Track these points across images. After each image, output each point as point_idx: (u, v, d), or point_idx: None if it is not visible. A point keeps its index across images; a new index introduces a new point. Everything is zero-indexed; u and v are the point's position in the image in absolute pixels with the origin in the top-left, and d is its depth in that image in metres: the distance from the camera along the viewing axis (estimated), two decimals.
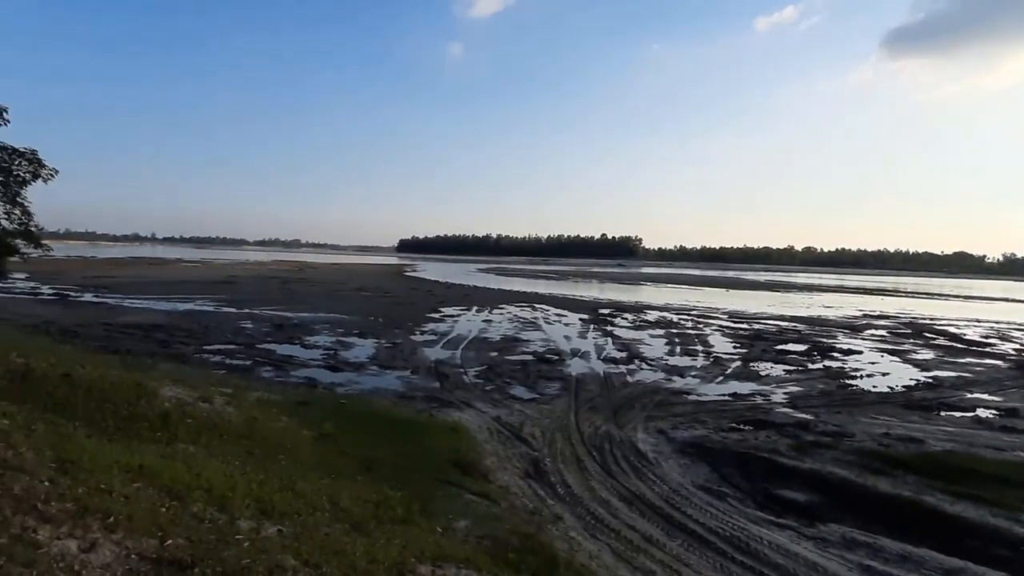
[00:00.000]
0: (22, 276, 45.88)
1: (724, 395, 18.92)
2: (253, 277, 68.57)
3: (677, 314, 44.02)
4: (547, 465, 11.71)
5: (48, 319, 26.92)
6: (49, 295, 39.13)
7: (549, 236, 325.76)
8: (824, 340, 31.85)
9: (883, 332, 37.16)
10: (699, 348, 28.11)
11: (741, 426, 15.30)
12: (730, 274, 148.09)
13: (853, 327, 39.20)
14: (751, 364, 24.37)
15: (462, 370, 21.01)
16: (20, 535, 4.26)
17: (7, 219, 22.04)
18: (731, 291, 78.79)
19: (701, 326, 36.98)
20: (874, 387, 20.74)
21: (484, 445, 12.46)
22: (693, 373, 22.24)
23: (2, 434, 5.84)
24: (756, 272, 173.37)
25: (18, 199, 22.09)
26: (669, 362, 24.34)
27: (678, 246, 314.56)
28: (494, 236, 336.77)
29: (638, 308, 47.68)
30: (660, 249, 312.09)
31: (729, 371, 22.85)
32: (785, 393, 19.35)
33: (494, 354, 24.47)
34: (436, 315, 37.64)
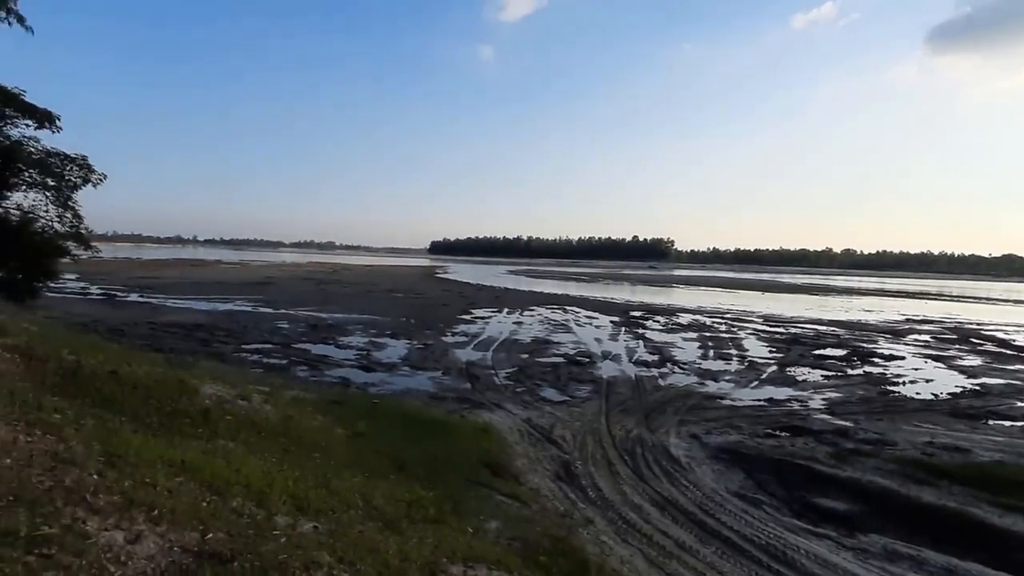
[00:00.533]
0: (73, 277, 47.80)
1: (759, 400, 18.53)
2: (289, 278, 70.12)
3: (710, 317, 43.32)
4: (578, 468, 11.66)
5: (96, 318, 28.01)
6: (97, 295, 40.73)
7: (580, 238, 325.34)
8: (864, 345, 30.92)
9: (927, 337, 35.89)
10: (733, 352, 27.61)
11: (777, 432, 14.97)
12: (765, 276, 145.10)
13: (895, 332, 37.95)
14: (787, 369, 23.82)
15: (493, 372, 21.08)
16: (71, 525, 4.44)
17: (59, 222, 23.05)
18: (766, 294, 77.14)
19: (735, 329, 36.32)
20: (917, 394, 20.05)
21: (515, 447, 12.48)
22: (727, 377, 21.85)
23: (54, 428, 6.09)
24: (792, 275, 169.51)
25: (69, 203, 23.06)
26: (702, 366, 23.97)
27: (711, 248, 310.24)
28: (524, 238, 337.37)
29: (670, 311, 47.10)
30: (693, 251, 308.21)
31: (764, 376, 22.39)
32: (823, 399, 18.86)
33: (525, 356, 24.48)
34: (467, 317, 37.85)
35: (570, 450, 12.74)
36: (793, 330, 36.65)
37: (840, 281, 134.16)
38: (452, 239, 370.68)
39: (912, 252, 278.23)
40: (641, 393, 18.63)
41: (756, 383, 21.14)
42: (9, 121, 21.55)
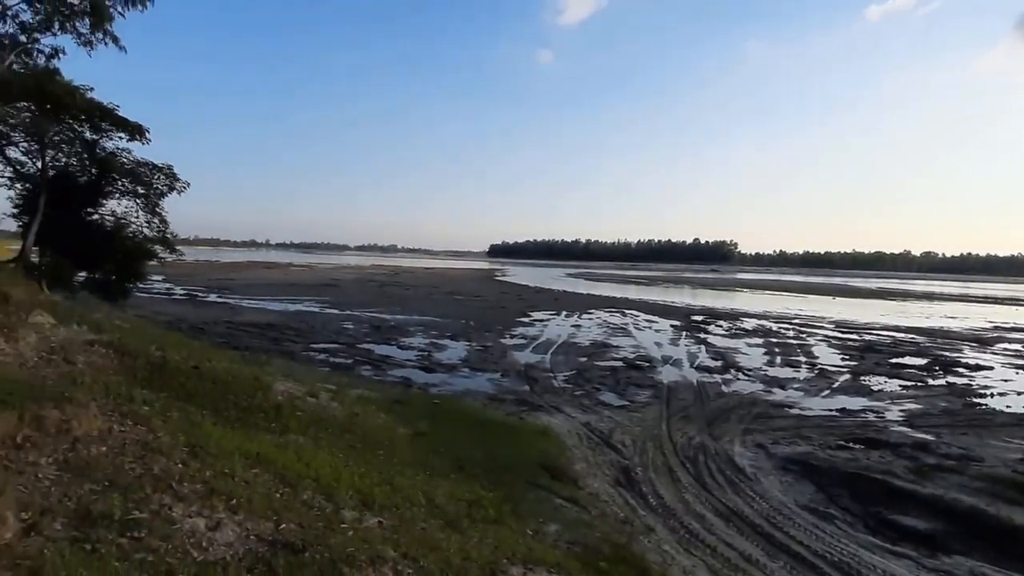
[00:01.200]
0: (159, 278, 51.11)
1: (831, 410, 17.66)
2: (353, 280, 72.46)
3: (777, 322, 41.65)
4: (638, 474, 11.48)
5: (180, 317, 29.87)
6: (181, 295, 43.43)
7: (639, 241, 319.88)
8: (947, 354, 28.92)
9: (1018, 346, 33.20)
10: (802, 359, 26.44)
11: (850, 444, 14.22)
12: (836, 280, 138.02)
13: (981, 340, 35.30)
14: (861, 378, 22.61)
15: (551, 374, 21.06)
16: (159, 511, 4.76)
17: (148, 227, 24.87)
18: (837, 299, 73.36)
19: (804, 335, 34.78)
20: (1007, 407, 18.57)
21: (573, 450, 12.42)
22: (795, 385, 20.96)
23: (144, 419, 6.55)
24: (866, 278, 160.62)
25: (157, 209, 24.87)
26: (768, 373, 23.10)
27: (777, 251, 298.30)
28: (583, 241, 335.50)
29: (734, 315, 45.63)
30: (757, 254, 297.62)
31: (836, 384, 21.32)
32: (901, 411, 17.78)
33: (583, 359, 24.32)
34: (525, 319, 37.97)
35: (630, 456, 12.56)
36: (867, 337, 34.74)
37: (919, 285, 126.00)
38: (511, 242, 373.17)
39: (1001, 255, 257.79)
40: (703, 399, 18.14)
41: (827, 392, 20.17)
42: (105, 134, 23.44)
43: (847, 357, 27.34)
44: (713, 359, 25.49)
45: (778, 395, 19.35)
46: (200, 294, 44.82)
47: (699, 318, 42.16)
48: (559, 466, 10.90)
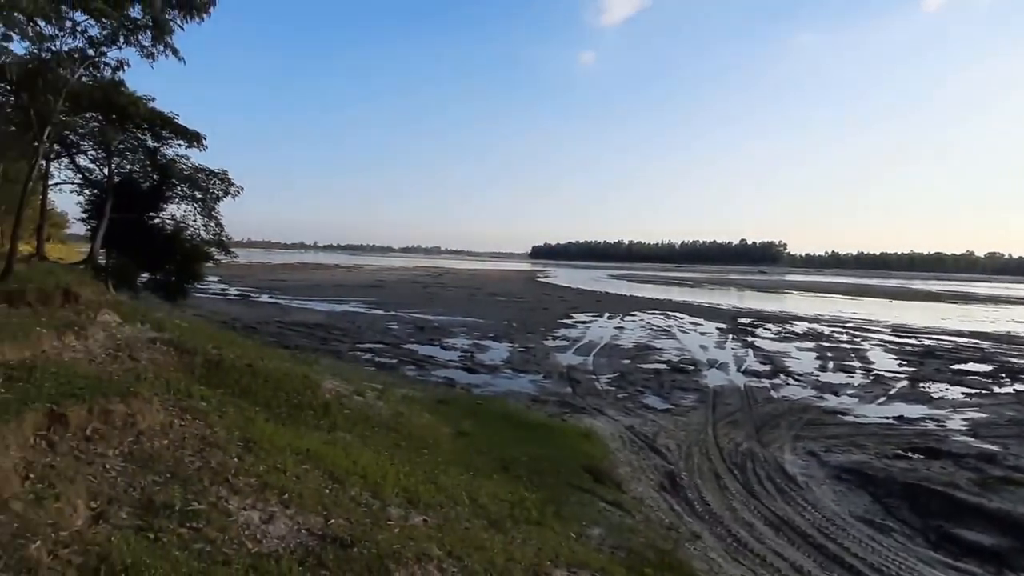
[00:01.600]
0: (215, 279, 53.15)
1: (887, 418, 16.93)
2: (398, 281, 73.67)
3: (829, 326, 40.19)
4: (683, 479, 11.27)
5: (234, 316, 31.02)
6: (235, 295, 45.09)
7: (683, 242, 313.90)
8: (1015, 360, 27.31)
9: None
10: (856, 364, 25.43)
11: (909, 454, 13.61)
12: (893, 283, 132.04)
13: None
14: (920, 384, 21.59)
15: (594, 376, 20.90)
16: (216, 503, 4.96)
17: (205, 230, 25.96)
18: (895, 302, 70.17)
19: (858, 340, 33.44)
20: None
21: (617, 454, 12.29)
22: (849, 391, 20.17)
23: (202, 414, 6.82)
24: (926, 281, 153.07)
25: (213, 213, 25.93)
26: (820, 378, 22.31)
27: (829, 251, 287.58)
28: (625, 242, 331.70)
29: (783, 318, 44.25)
30: (807, 255, 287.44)
31: (893, 391, 20.42)
32: (964, 419, 16.89)
33: (626, 361, 24.05)
34: (568, 321, 37.80)
35: (675, 460, 12.34)
36: (927, 342, 33.13)
37: (983, 288, 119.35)
38: (553, 243, 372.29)
39: None
40: (751, 404, 17.67)
41: (883, 399, 19.34)
42: (165, 142, 24.57)
43: (905, 363, 26.15)
44: (761, 363, 24.80)
45: (831, 401, 18.67)
46: (252, 294, 46.41)
47: (746, 321, 41.09)
48: (602, 469, 10.80)
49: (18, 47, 17.78)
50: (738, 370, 23.31)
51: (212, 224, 26.04)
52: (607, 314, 42.89)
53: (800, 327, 38.81)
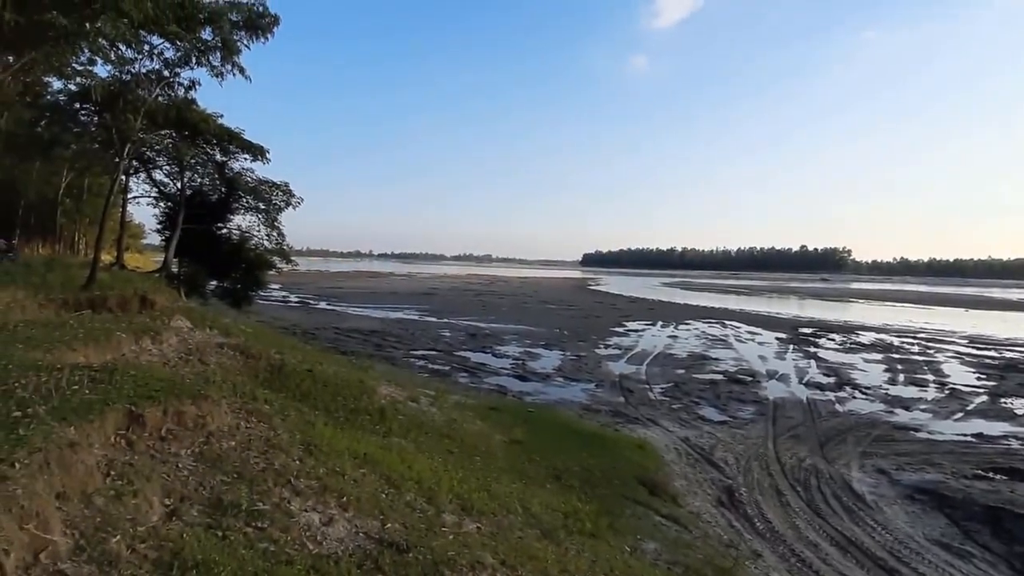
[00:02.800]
0: (276, 286, 55.30)
1: (964, 435, 15.87)
2: (450, 289, 74.63)
3: (899, 336, 38.09)
4: (742, 495, 10.89)
5: (294, 322, 32.15)
6: (295, 302, 46.79)
7: (739, 248, 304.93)
8: None
9: None
10: (929, 377, 23.99)
11: (989, 474, 12.69)
12: (969, 291, 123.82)
13: None
14: (1002, 400, 20.15)
15: (647, 386, 20.52)
16: (279, 504, 5.12)
17: (268, 240, 27.20)
18: (971, 311, 65.83)
19: (931, 351, 31.55)
20: None
21: (672, 466, 12.01)
22: (922, 406, 19.03)
23: (266, 417, 7.08)
24: (1006, 289, 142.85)
25: (275, 223, 27.13)
26: (890, 392, 21.15)
27: (898, 258, 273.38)
28: (679, 249, 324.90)
29: (848, 328, 42.25)
30: (874, 262, 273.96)
31: (971, 407, 19.14)
32: None
33: (681, 371, 23.52)
34: (620, 329, 37.33)
35: (733, 475, 11.95)
36: (1009, 354, 30.91)
37: None
38: (604, 251, 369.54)
39: None
40: (815, 418, 16.92)
41: (960, 415, 18.15)
42: (232, 156, 25.87)
43: (984, 376, 24.48)
44: (825, 375, 23.75)
45: (901, 416, 17.66)
46: (311, 301, 48.02)
47: (808, 331, 39.47)
48: (657, 481, 10.58)
49: (102, 70, 19.14)
50: (800, 382, 22.39)
51: (274, 234, 27.25)
52: (660, 322, 42.10)
53: (867, 337, 36.98)
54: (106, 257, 22.79)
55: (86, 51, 15.43)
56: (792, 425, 16.06)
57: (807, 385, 21.76)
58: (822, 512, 10.39)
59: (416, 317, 40.17)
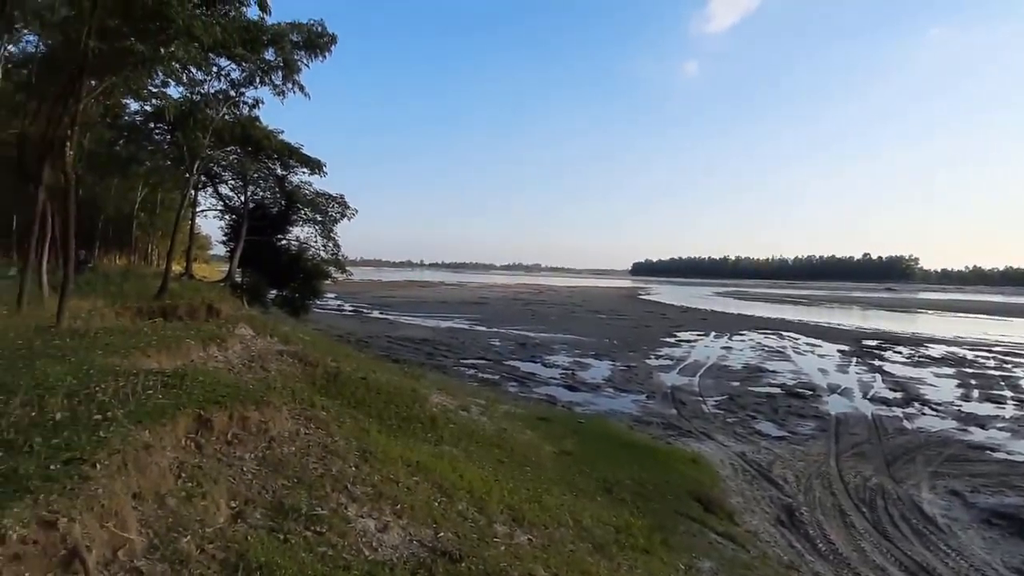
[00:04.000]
0: (332, 295, 56.97)
1: None
2: (499, 298, 75.04)
3: (972, 350, 35.79)
4: (803, 514, 10.44)
5: (349, 330, 32.99)
6: (349, 311, 48.07)
7: (796, 257, 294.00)
8: None
9: None
10: (1007, 394, 22.42)
11: None
12: None
13: None
14: None
15: (700, 398, 20.01)
16: (336, 509, 5.26)
17: (324, 250, 28.21)
18: None
19: (1009, 366, 29.49)
20: None
21: (728, 482, 11.65)
22: (999, 425, 17.79)
23: (323, 423, 7.29)
24: None
25: (331, 234, 28.10)
26: (963, 408, 19.87)
27: (971, 266, 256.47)
28: (732, 258, 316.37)
29: (916, 341, 40.02)
30: (944, 271, 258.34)
31: None
32: None
33: (736, 384, 22.82)
34: (671, 339, 36.60)
35: (793, 493, 11.48)
36: None
37: None
38: (654, 260, 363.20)
39: None
40: (880, 435, 16.08)
41: None
42: (292, 170, 26.98)
43: None
44: (891, 390, 22.55)
45: (976, 435, 16.56)
46: (365, 310, 49.21)
47: (872, 343, 37.61)
48: (712, 498, 10.28)
49: (174, 92, 20.35)
50: (864, 397, 21.34)
51: (330, 244, 28.23)
52: (713, 333, 41.02)
53: (937, 350, 34.93)
54: (176, 267, 24.07)
55: (160, 74, 16.45)
56: (856, 442, 15.32)
57: (872, 400, 20.73)
58: (890, 535, 9.85)
59: (466, 326, 40.53)
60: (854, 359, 30.49)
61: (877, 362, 29.60)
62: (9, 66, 20.17)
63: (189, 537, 3.98)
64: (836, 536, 9.67)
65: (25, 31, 18.54)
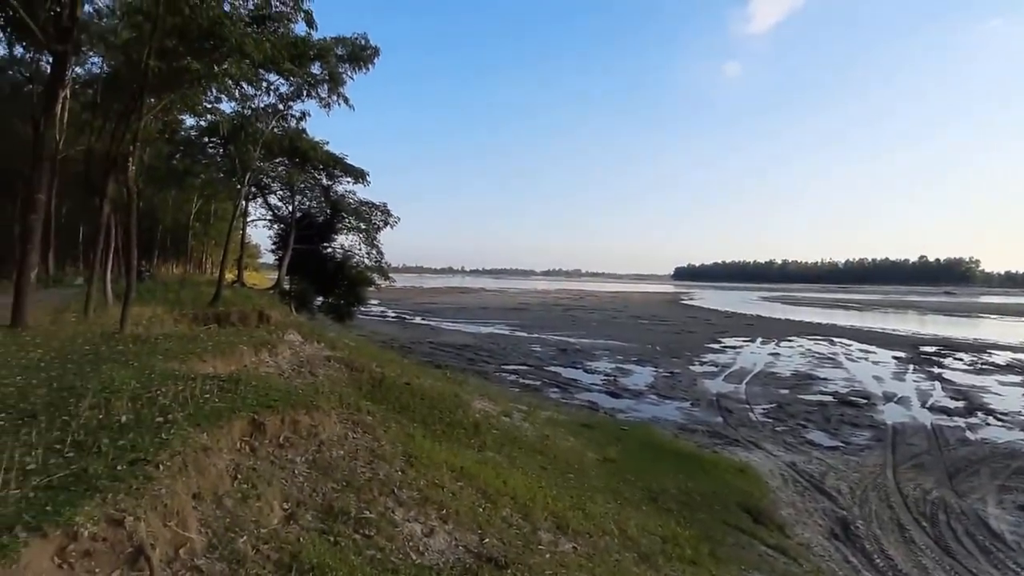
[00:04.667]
0: (375, 302, 58.04)
1: None
2: (540, 304, 74.96)
3: None
4: (859, 528, 10.04)
5: (392, 336, 33.53)
6: (392, 317, 48.84)
7: (848, 260, 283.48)
8: None
9: None
10: None
11: None
12: None
13: None
14: None
15: (747, 406, 19.51)
16: (384, 513, 5.34)
17: (368, 258, 28.83)
18: None
19: None
20: None
21: (778, 493, 11.31)
22: None
23: (370, 428, 7.42)
24: None
25: (375, 242, 28.71)
26: None
27: None
28: (778, 262, 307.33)
29: (978, 347, 37.99)
30: (1008, 273, 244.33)
31: None
32: None
33: (784, 391, 22.15)
34: (716, 345, 35.82)
35: (847, 505, 11.06)
36: None
37: None
38: (697, 264, 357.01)
39: None
40: (941, 446, 15.34)
41: None
42: (337, 179, 27.71)
43: None
44: (952, 399, 21.49)
45: None
46: (407, 316, 49.94)
47: (931, 349, 35.93)
48: (762, 509, 10.00)
49: (227, 107, 21.21)
50: (923, 406, 20.40)
51: (374, 252, 28.82)
52: (760, 339, 39.93)
53: (1002, 357, 33.10)
54: (228, 275, 24.98)
55: (214, 90, 17.16)
56: (915, 453, 14.66)
57: (931, 409, 19.79)
58: (953, 551, 9.37)
59: (507, 332, 40.63)
60: (911, 366, 29.20)
61: (936, 369, 28.27)
62: (76, 87, 21.43)
63: (245, 537, 4.10)
64: (895, 551, 9.26)
65: (91, 53, 19.66)
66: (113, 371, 6.70)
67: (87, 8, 15.45)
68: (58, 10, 10.99)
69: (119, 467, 3.97)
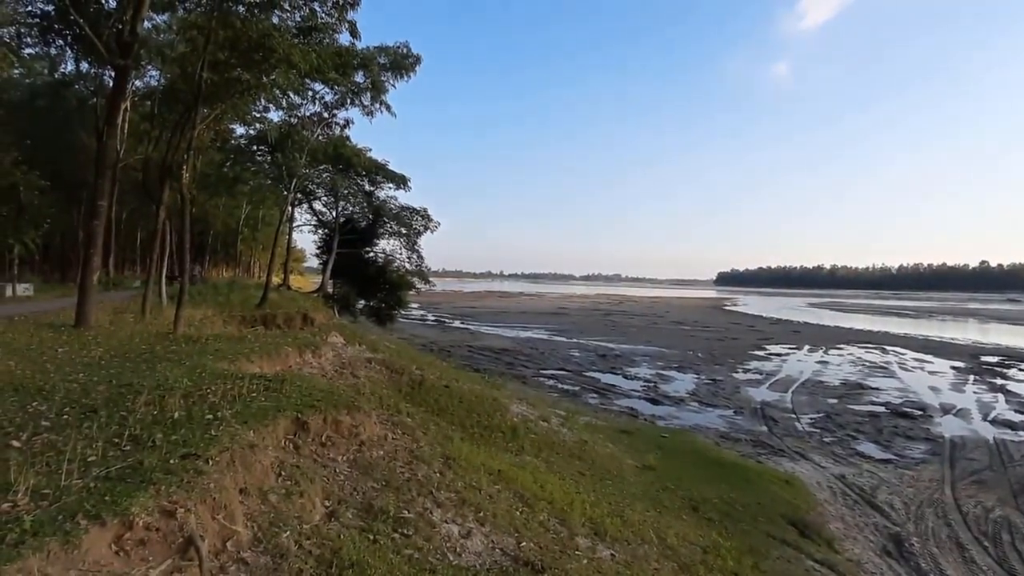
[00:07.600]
0: (415, 306, 58.78)
1: None
2: (579, 309, 74.54)
3: None
4: (914, 545, 9.59)
5: (432, 340, 33.88)
6: (432, 321, 49.38)
7: (901, 265, 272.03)
8: None
9: None
10: None
11: None
12: None
13: None
14: None
15: (793, 415, 18.90)
16: (422, 513, 5.40)
17: (408, 262, 29.32)
18: None
19: None
20: None
21: (826, 506, 10.91)
22: None
23: (409, 429, 7.53)
24: None
25: (415, 246, 29.17)
26: None
27: None
28: (827, 267, 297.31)
29: None
30: None
31: None
32: None
33: (833, 401, 21.37)
34: (760, 352, 34.87)
35: (901, 521, 10.58)
36: None
37: None
38: (740, 270, 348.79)
39: None
40: (1005, 462, 14.51)
41: None
42: (379, 185, 28.27)
43: None
44: (1017, 411, 20.30)
45: None
46: (447, 320, 50.38)
47: (993, 359, 34.07)
48: (809, 522, 9.66)
49: (274, 116, 21.94)
50: (984, 419, 19.35)
51: (414, 256, 29.26)
52: (807, 346, 38.68)
53: None
54: (275, 279, 25.75)
55: (263, 100, 17.79)
56: (975, 469, 13.92)
57: (993, 423, 18.76)
58: (1017, 573, 8.85)
59: (545, 337, 40.53)
60: (971, 377, 27.75)
61: (999, 380, 26.79)
62: (136, 99, 22.54)
63: (288, 532, 4.22)
64: (953, 571, 8.81)
65: (149, 67, 20.65)
66: (167, 370, 6.99)
67: (146, 24, 16.25)
68: (120, 27, 11.60)
69: (172, 461, 4.15)
